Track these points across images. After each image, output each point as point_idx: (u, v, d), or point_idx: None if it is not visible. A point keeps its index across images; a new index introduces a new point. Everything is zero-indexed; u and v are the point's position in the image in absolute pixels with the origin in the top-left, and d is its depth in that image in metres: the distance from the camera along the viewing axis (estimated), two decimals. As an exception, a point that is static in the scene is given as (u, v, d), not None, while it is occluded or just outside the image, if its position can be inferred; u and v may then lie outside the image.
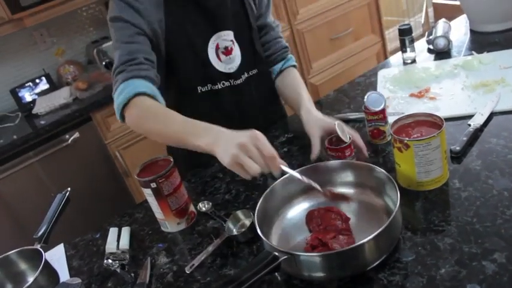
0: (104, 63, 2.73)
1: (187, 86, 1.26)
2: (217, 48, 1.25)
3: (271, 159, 0.87)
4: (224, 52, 1.26)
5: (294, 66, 1.44)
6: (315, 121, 1.15)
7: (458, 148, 1.01)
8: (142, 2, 1.15)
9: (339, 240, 0.84)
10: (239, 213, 1.01)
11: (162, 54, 1.22)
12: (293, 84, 1.36)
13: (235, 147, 0.86)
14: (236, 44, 1.28)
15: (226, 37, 1.26)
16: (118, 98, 1.09)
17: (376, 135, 1.15)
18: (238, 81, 1.30)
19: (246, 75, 1.32)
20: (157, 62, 1.20)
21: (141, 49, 1.13)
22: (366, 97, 1.14)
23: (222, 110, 1.30)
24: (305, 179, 0.91)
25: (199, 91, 1.27)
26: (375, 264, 0.78)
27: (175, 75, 1.26)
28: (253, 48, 1.33)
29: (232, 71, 1.28)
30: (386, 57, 3.32)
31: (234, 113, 1.33)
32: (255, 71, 1.33)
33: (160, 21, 1.18)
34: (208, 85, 1.28)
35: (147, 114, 1.08)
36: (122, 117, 1.12)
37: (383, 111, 1.12)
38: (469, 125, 1.09)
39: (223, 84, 1.29)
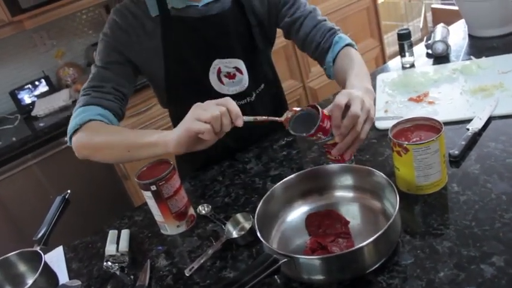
0: (103, 65, 2.74)
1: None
2: (219, 72, 1.23)
3: (235, 114, 0.89)
4: (227, 76, 1.25)
5: (346, 46, 1.21)
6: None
7: (457, 152, 1.02)
8: (135, 28, 1.16)
9: (338, 244, 0.85)
10: (239, 216, 1.01)
11: (159, 82, 1.23)
12: (342, 67, 1.16)
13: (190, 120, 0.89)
14: (242, 70, 1.25)
15: (228, 64, 1.23)
16: (72, 122, 1.11)
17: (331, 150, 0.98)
18: (251, 99, 1.30)
19: (255, 92, 1.31)
20: (158, 90, 1.25)
21: (113, 79, 1.15)
22: (289, 123, 0.95)
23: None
24: (262, 118, 0.94)
25: None
26: (374, 268, 0.78)
27: (177, 101, 1.27)
28: (260, 68, 1.30)
29: (235, 92, 1.26)
30: (385, 62, 3.34)
31: (240, 131, 1.33)
32: (262, 86, 1.33)
33: (157, 48, 1.18)
34: None
35: (96, 132, 1.08)
36: (70, 140, 1.14)
37: (320, 128, 0.91)
38: (468, 129, 1.09)
39: None
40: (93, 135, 1.08)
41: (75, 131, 1.11)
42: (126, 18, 1.17)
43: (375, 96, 1.03)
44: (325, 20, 1.27)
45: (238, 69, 1.25)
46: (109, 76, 1.16)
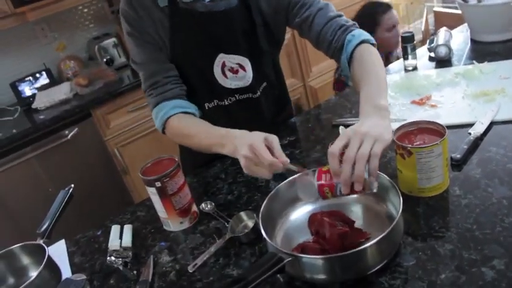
0: (104, 59, 2.74)
1: (193, 103, 1.25)
2: (223, 66, 1.24)
3: (271, 166, 0.90)
4: (230, 70, 1.26)
5: (360, 43, 1.13)
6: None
7: (458, 156, 1.03)
8: (145, 20, 1.19)
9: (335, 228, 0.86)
10: (242, 214, 1.02)
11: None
12: (356, 77, 1.10)
13: (242, 158, 0.93)
14: (245, 67, 1.26)
15: (232, 60, 1.24)
16: (156, 122, 1.24)
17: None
18: (255, 95, 1.31)
19: (259, 88, 1.32)
20: None
21: (158, 70, 1.22)
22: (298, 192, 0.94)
23: (231, 123, 1.30)
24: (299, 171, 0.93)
25: (206, 108, 1.30)
26: (376, 268, 0.80)
27: None
28: (262, 68, 1.31)
29: (238, 87, 1.28)
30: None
31: (243, 124, 1.33)
32: (264, 84, 1.34)
33: (163, 39, 1.21)
34: (215, 101, 1.30)
35: (179, 136, 1.23)
36: (164, 132, 1.26)
37: (320, 188, 0.87)
38: (470, 133, 1.11)
39: (230, 100, 1.30)
40: (178, 139, 1.26)
41: (163, 130, 1.24)
42: (136, 10, 1.18)
43: (389, 111, 0.95)
44: (339, 16, 1.20)
45: (241, 66, 1.26)
46: (154, 70, 1.22)
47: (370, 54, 1.11)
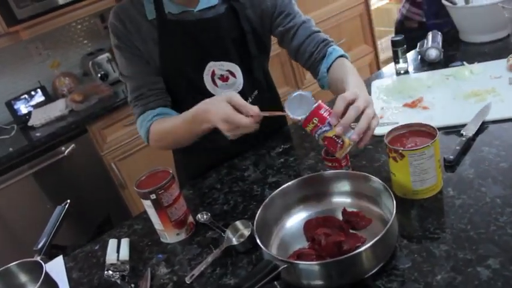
0: (99, 75, 2.75)
1: None
2: (213, 74, 1.26)
3: (250, 123, 0.95)
4: (220, 78, 1.27)
5: (339, 57, 1.22)
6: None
7: (451, 157, 1.04)
8: (133, 33, 1.21)
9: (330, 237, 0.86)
10: (238, 224, 1.02)
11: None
12: (338, 77, 1.15)
13: (225, 132, 0.99)
14: (236, 73, 1.28)
15: (222, 67, 1.26)
16: (140, 132, 1.27)
17: (331, 146, 0.92)
18: (247, 102, 1.32)
19: (251, 95, 1.33)
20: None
21: (144, 83, 1.24)
22: (286, 104, 0.94)
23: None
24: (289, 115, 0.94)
25: None
26: (372, 272, 0.80)
27: (172, 103, 1.29)
28: (253, 74, 1.32)
29: None
30: (379, 67, 3.37)
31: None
32: (255, 92, 1.35)
33: (151, 51, 1.22)
34: None
35: (161, 139, 1.24)
36: (148, 142, 1.28)
37: (315, 112, 0.90)
38: (462, 134, 1.11)
39: None
40: (161, 142, 1.26)
41: (147, 138, 1.26)
42: (124, 23, 1.21)
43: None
44: (319, 31, 1.28)
45: (231, 73, 1.28)
46: (139, 83, 1.25)
47: (350, 65, 1.19)
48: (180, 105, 1.26)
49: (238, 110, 0.96)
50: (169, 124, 1.20)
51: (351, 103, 0.91)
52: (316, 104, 0.91)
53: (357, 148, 1.19)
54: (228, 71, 1.27)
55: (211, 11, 1.23)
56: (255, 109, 0.96)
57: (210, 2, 1.23)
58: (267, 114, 0.97)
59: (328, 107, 0.92)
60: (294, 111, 0.93)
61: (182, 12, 1.21)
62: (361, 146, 0.92)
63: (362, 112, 0.91)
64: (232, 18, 1.24)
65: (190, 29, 1.21)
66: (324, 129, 0.90)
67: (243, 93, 1.29)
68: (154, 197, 1.01)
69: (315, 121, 0.89)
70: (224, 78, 1.27)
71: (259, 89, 1.36)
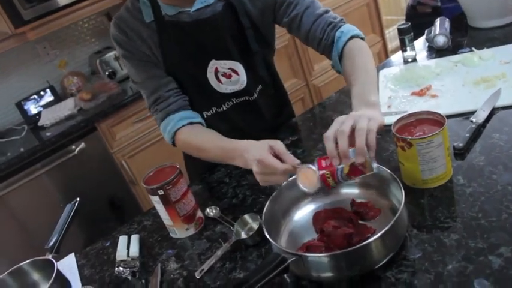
0: (106, 73, 2.76)
1: None
2: (216, 71, 1.25)
3: (284, 172, 0.91)
4: (224, 75, 1.26)
5: (351, 38, 1.17)
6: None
7: (461, 145, 1.02)
8: (135, 40, 1.20)
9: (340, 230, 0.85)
10: (247, 217, 1.02)
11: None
12: (346, 73, 1.14)
13: (256, 174, 0.95)
14: (238, 71, 1.27)
15: (224, 65, 1.25)
16: (165, 136, 1.26)
17: (357, 173, 0.88)
18: (252, 98, 1.32)
19: (255, 90, 1.32)
20: None
21: (158, 86, 1.23)
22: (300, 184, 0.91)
23: (232, 129, 1.31)
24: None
25: (205, 116, 1.30)
26: (382, 263, 0.79)
27: None
28: (255, 70, 1.30)
29: (233, 91, 1.28)
30: (387, 57, 3.33)
31: (244, 128, 1.34)
32: (260, 86, 1.34)
33: (155, 54, 1.21)
34: (213, 108, 1.30)
35: (189, 148, 1.25)
36: (174, 145, 1.27)
37: (321, 175, 0.88)
38: (472, 121, 1.09)
39: (228, 105, 1.30)
40: (189, 151, 1.27)
41: (173, 143, 1.25)
42: (126, 33, 1.20)
43: (379, 106, 1.00)
44: (325, 13, 1.22)
45: (233, 70, 1.27)
46: (154, 86, 1.23)
47: (360, 50, 1.15)
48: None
49: (278, 158, 0.93)
50: (201, 141, 1.18)
51: (338, 133, 0.87)
52: (316, 167, 0.88)
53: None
54: (230, 69, 1.26)
55: (208, 9, 1.20)
56: (293, 159, 0.92)
57: (206, 0, 1.20)
58: (304, 169, 0.90)
59: (325, 156, 0.89)
60: (309, 187, 0.90)
61: (178, 13, 1.19)
62: (373, 155, 0.86)
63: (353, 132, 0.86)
64: (230, 15, 1.22)
65: (189, 30, 1.20)
66: (339, 171, 0.87)
67: (247, 90, 1.29)
68: (162, 192, 1.01)
69: (328, 176, 0.87)
70: (227, 76, 1.26)
71: (263, 84, 1.35)
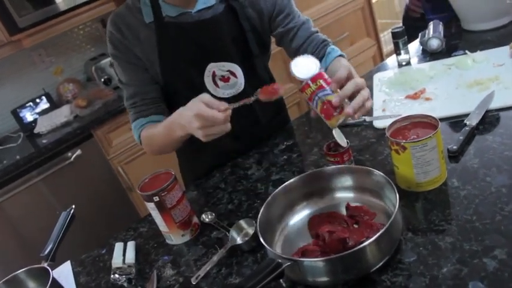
0: (102, 79, 2.76)
1: None
2: (214, 75, 1.26)
3: (224, 118, 0.95)
4: (221, 79, 1.27)
5: (338, 57, 1.26)
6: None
7: (455, 147, 1.02)
8: (130, 39, 1.21)
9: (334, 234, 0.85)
10: (242, 223, 1.02)
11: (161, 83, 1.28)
12: (333, 70, 1.19)
13: (198, 130, 0.98)
14: (237, 73, 1.27)
15: (222, 67, 1.26)
16: (134, 134, 1.31)
17: (328, 111, 0.97)
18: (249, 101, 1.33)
19: (252, 95, 1.33)
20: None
21: (138, 91, 1.26)
22: (292, 65, 1.00)
23: (227, 134, 1.31)
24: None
25: None
26: (377, 267, 0.79)
27: (174, 106, 1.28)
28: (255, 73, 1.31)
29: (230, 96, 1.28)
30: (382, 60, 3.34)
31: (239, 133, 1.34)
32: (258, 91, 1.34)
33: (152, 55, 1.22)
34: None
35: (149, 144, 1.29)
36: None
37: (321, 74, 0.96)
38: (465, 123, 1.10)
39: None
40: (149, 146, 1.31)
41: (140, 143, 1.31)
42: (121, 31, 1.20)
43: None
44: (317, 32, 1.31)
45: (232, 73, 1.27)
46: (134, 91, 1.27)
47: (346, 63, 1.22)
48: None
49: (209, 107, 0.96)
50: (154, 130, 1.21)
51: (350, 78, 0.97)
52: (322, 69, 0.97)
53: (360, 141, 1.19)
54: (228, 71, 1.26)
55: (209, 11, 1.22)
56: (224, 103, 0.96)
57: (208, 2, 1.22)
58: (236, 105, 0.98)
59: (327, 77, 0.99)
60: (300, 73, 0.98)
61: (180, 15, 1.20)
62: (354, 115, 0.97)
63: (358, 91, 0.97)
64: (231, 17, 1.23)
65: (189, 31, 1.21)
66: (326, 92, 0.95)
67: (245, 93, 1.29)
68: (158, 199, 1.01)
69: (319, 82, 0.94)
70: (225, 79, 1.27)
71: (262, 83, 1.35)
